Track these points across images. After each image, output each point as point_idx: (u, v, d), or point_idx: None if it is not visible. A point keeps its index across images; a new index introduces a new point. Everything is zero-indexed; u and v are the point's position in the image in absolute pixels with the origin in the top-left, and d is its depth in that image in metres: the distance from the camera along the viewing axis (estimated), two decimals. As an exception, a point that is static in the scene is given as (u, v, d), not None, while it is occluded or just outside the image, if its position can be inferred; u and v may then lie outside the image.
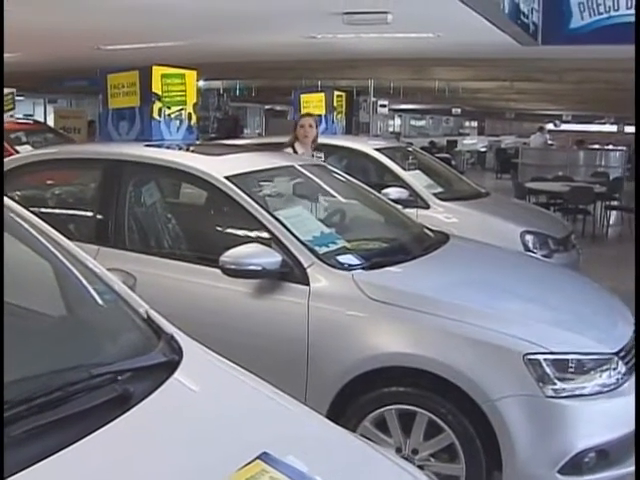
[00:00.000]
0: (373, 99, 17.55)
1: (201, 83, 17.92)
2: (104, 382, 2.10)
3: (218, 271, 4.02)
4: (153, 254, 4.64)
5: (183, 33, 9.92)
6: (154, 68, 5.61)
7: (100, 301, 2.72)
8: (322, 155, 7.15)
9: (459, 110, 32.70)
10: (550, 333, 3.84)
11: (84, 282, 2.70)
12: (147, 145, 5.31)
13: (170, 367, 2.34)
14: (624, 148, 21.90)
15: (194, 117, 6.03)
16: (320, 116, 10.09)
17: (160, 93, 5.62)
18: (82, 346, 2.44)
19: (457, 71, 15.19)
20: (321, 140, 7.75)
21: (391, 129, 35.35)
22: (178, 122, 5.83)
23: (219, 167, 4.71)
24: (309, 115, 7.90)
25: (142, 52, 10.51)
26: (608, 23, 9.44)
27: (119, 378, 2.15)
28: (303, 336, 3.94)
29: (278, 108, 32.38)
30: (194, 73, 6.05)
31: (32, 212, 2.79)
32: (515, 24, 8.44)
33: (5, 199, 2.62)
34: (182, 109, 5.86)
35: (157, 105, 5.61)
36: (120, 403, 2.06)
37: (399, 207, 5.82)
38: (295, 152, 6.99)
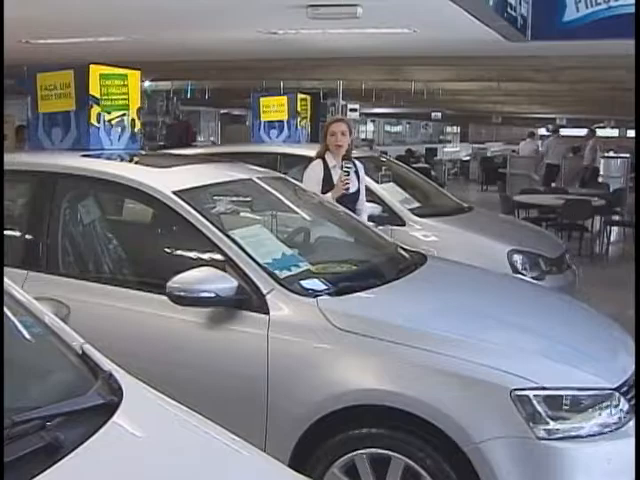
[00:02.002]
0: (342, 102, 17.56)
1: (147, 84, 17.88)
2: (30, 429, 2.08)
3: (165, 298, 4.00)
4: (90, 280, 4.61)
5: (125, 27, 9.87)
6: (92, 67, 5.59)
7: (27, 335, 2.69)
8: (352, 165, 6.61)
9: (439, 114, 32.87)
10: (541, 366, 3.85)
11: (8, 314, 2.67)
12: (84, 155, 5.30)
13: (108, 410, 2.32)
14: (627, 155, 21.97)
15: (138, 123, 6.02)
16: (282, 122, 10.14)
17: (99, 96, 5.60)
18: (4, 388, 2.41)
19: (436, 71, 15.26)
20: (282, 150, 7.73)
21: (363, 136, 35.46)
22: (119, 129, 5.81)
23: (166, 181, 4.71)
24: (341, 120, 7.08)
25: (78, 48, 10.44)
26: (607, 15, 9.33)
27: (48, 424, 2.13)
28: (262, 371, 3.92)
29: (235, 112, 32.40)
30: (138, 73, 6.04)
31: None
32: (501, 17, 8.49)
33: None
34: (124, 114, 5.85)
35: (95, 109, 5.59)
36: (48, 453, 2.04)
37: (371, 225, 5.84)
38: (326, 165, 6.61)
